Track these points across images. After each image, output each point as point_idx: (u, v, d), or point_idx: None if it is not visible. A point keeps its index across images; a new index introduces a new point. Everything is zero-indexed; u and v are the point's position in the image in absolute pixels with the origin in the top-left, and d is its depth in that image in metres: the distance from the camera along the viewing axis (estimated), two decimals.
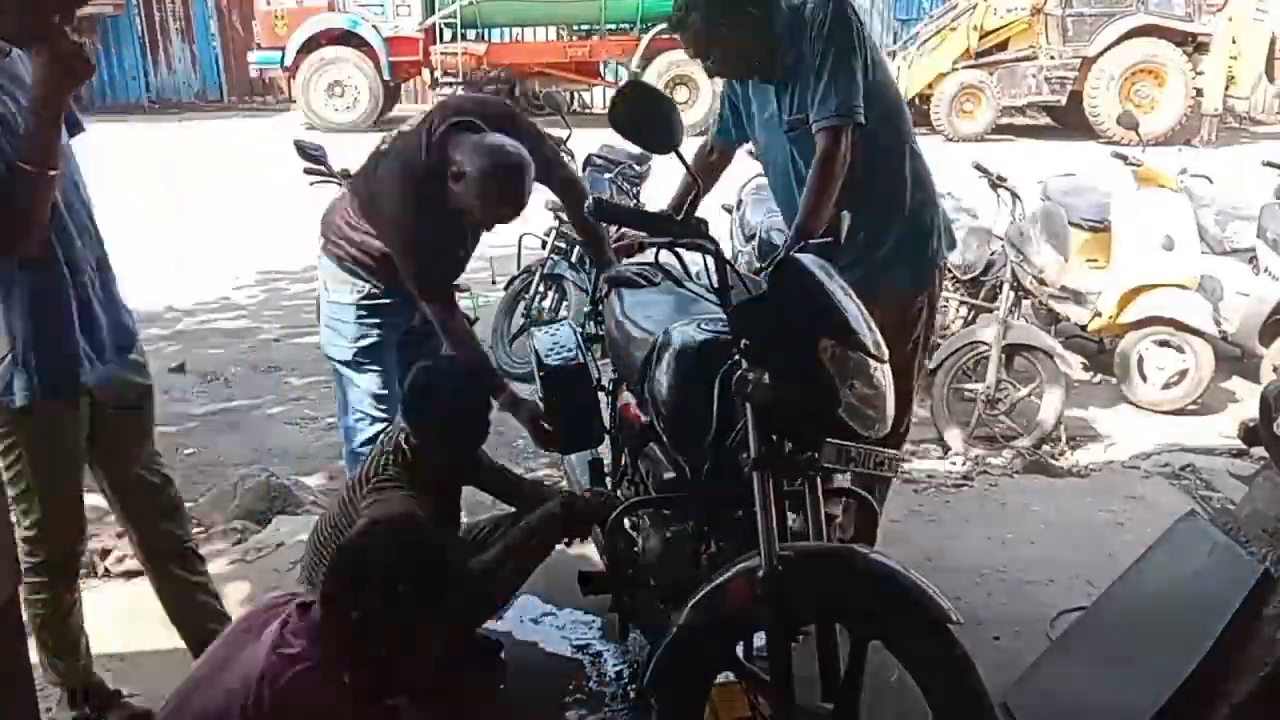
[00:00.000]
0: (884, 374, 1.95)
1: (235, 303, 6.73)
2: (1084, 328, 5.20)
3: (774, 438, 1.96)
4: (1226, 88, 12.83)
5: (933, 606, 1.78)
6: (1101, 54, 12.86)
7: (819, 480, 1.99)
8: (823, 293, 1.96)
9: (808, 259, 2.05)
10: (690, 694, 1.99)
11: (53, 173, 1.99)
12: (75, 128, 2.23)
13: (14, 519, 2.26)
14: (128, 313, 2.36)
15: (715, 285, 2.01)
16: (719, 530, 2.24)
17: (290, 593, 1.96)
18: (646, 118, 2.02)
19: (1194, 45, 12.92)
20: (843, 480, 2.25)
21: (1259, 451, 3.28)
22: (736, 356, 1.99)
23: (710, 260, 2.02)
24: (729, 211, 5.57)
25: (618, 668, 2.80)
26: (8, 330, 2.12)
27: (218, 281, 6.99)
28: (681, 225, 2.00)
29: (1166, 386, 4.96)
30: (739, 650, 2.10)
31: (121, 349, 2.32)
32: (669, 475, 2.33)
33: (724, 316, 2.10)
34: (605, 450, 3.02)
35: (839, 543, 2.08)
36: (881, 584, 1.84)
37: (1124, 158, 5.14)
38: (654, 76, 13.65)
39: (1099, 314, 5.01)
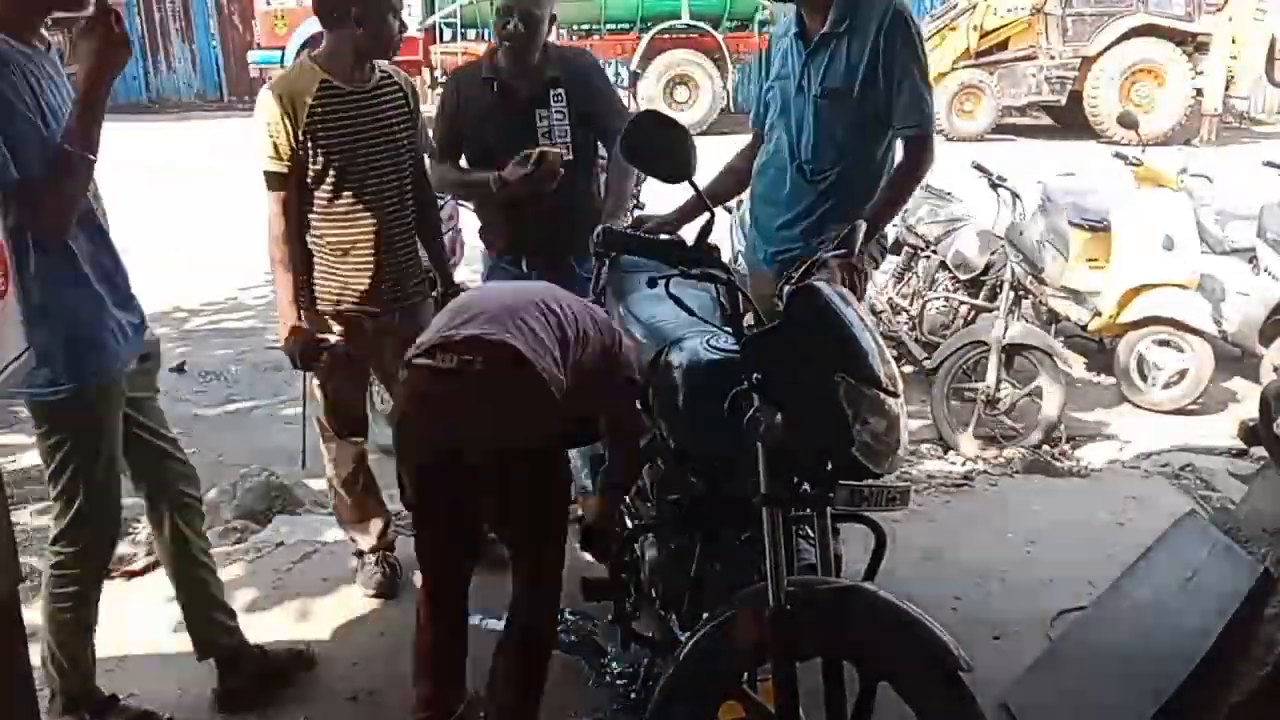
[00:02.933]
0: (898, 408, 1.91)
1: (243, 303, 6.72)
2: (1084, 328, 5.20)
3: (786, 471, 1.93)
4: (1226, 88, 12.85)
5: (943, 652, 1.76)
6: (1101, 54, 12.88)
7: (829, 511, 1.96)
8: (839, 324, 1.92)
9: (826, 288, 2.01)
10: None
11: (93, 158, 2.07)
12: None
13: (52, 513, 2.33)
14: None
15: (728, 314, 1.98)
16: (725, 549, 2.23)
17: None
18: (660, 148, 1.99)
19: (1194, 45, 12.93)
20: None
21: (1259, 451, 3.29)
22: (745, 385, 1.96)
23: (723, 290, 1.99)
24: (729, 211, 5.57)
25: (618, 668, 2.80)
26: (40, 320, 2.09)
27: (223, 282, 6.97)
28: (694, 254, 1.98)
29: (1166, 386, 4.96)
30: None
31: (139, 329, 2.37)
32: (674, 495, 2.31)
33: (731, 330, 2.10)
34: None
35: (848, 579, 2.05)
36: (891, 626, 1.80)
37: (1124, 158, 5.14)
38: (654, 76, 13.66)
39: (1099, 314, 5.01)
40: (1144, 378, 4.99)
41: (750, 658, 1.92)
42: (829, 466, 1.92)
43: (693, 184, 2.03)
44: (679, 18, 13.72)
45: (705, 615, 1.95)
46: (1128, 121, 5.50)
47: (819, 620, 1.82)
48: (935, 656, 1.76)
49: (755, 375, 1.92)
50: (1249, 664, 2.20)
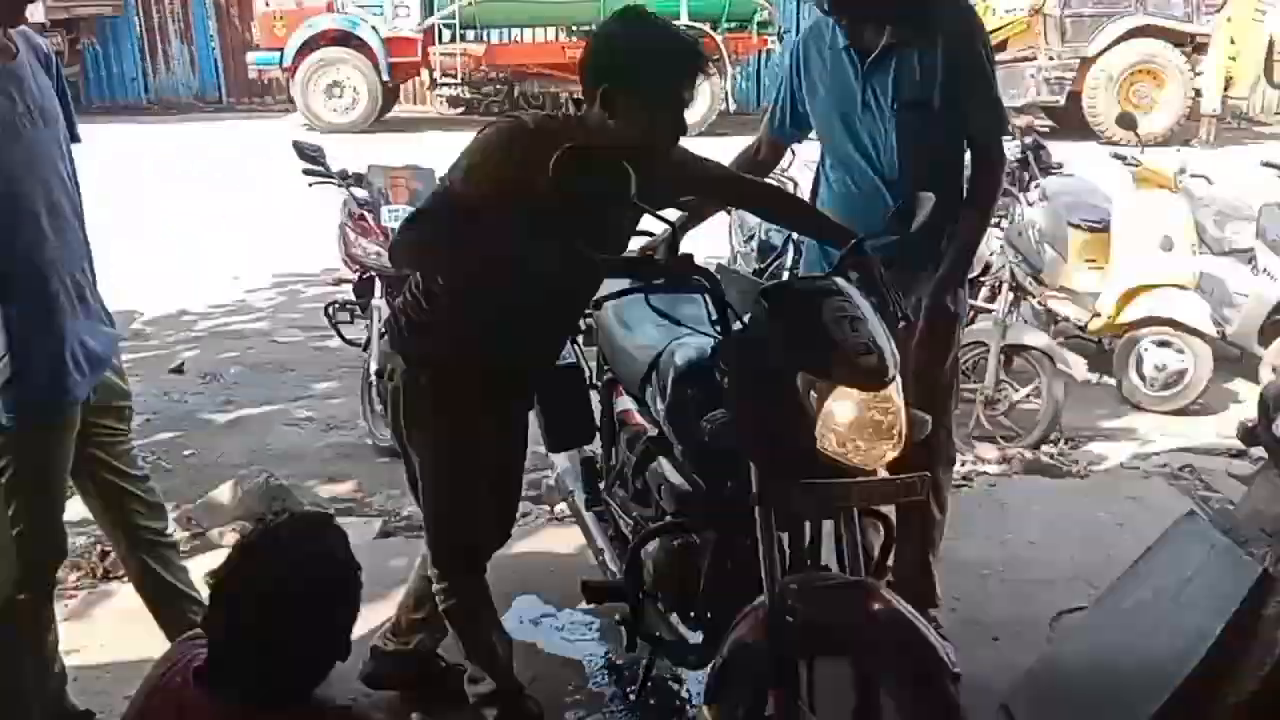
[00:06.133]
0: (885, 404, 1.87)
1: (250, 305, 6.69)
2: (1083, 328, 5.20)
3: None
4: (1225, 88, 12.82)
5: (930, 655, 1.76)
6: (1100, 54, 12.85)
7: (854, 511, 1.96)
8: (813, 322, 1.90)
9: (802, 283, 2.04)
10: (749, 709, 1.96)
11: None
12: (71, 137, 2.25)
13: None
14: (107, 316, 2.34)
15: (714, 320, 1.99)
16: (734, 548, 2.23)
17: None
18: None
19: (1193, 46, 12.91)
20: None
21: (1258, 451, 3.28)
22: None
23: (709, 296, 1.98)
24: (728, 212, 5.57)
25: (617, 668, 2.80)
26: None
27: (227, 284, 6.94)
28: (672, 266, 1.97)
29: (1166, 387, 4.95)
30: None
31: (105, 356, 2.30)
32: (684, 496, 2.31)
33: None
34: (595, 448, 3.01)
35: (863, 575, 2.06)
36: (883, 626, 1.81)
37: (1123, 158, 5.14)
38: None
39: (1098, 314, 5.01)
40: (1143, 378, 4.98)
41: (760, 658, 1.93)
42: (793, 467, 1.90)
43: (635, 201, 1.94)
44: (678, 18, 13.69)
45: (732, 615, 1.96)
46: (1126, 122, 5.50)
47: (815, 618, 1.82)
48: (923, 659, 1.77)
49: (723, 377, 1.94)
50: (1249, 664, 2.20)
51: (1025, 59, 13.34)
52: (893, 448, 1.90)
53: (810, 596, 1.83)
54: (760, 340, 1.94)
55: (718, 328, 2.01)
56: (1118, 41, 12.78)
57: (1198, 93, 12.85)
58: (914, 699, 1.78)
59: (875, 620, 1.82)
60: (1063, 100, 13.28)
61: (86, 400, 2.26)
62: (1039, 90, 13.31)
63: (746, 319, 2.00)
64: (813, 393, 1.84)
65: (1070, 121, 13.46)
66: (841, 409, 1.85)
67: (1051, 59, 13.15)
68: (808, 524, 2.03)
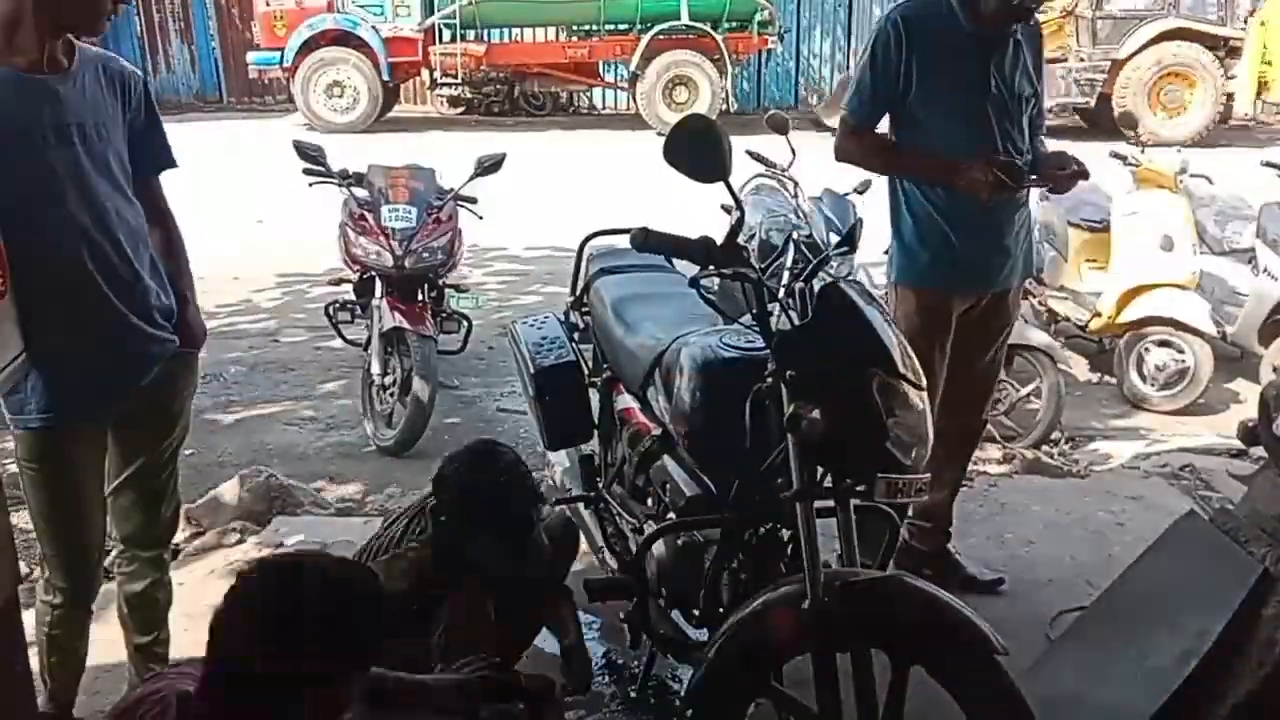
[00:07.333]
0: (923, 401, 1.95)
1: (257, 305, 6.68)
2: (1084, 327, 5.20)
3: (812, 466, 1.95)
4: (1259, 93, 12.74)
5: (979, 637, 1.79)
6: (1132, 56, 12.77)
7: (850, 502, 1.98)
8: (867, 322, 1.95)
9: (850, 286, 2.04)
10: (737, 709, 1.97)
11: None
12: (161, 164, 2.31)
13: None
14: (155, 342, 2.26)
15: (755, 313, 2.01)
16: (740, 548, 2.23)
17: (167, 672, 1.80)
18: (697, 149, 1.99)
19: (1226, 49, 12.80)
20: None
21: (1259, 451, 3.28)
22: (769, 380, 1.98)
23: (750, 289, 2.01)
24: (728, 212, 5.57)
25: (617, 667, 2.80)
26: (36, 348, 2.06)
27: (228, 284, 6.93)
28: (723, 253, 2.00)
29: (1166, 386, 4.96)
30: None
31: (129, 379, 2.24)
32: (692, 494, 2.32)
33: (735, 328, 2.16)
34: (592, 446, 3.02)
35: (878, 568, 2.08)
36: (928, 613, 1.84)
37: (1124, 158, 5.14)
38: (653, 76, 13.66)
39: (1098, 314, 5.01)
40: (1144, 378, 4.99)
41: (782, 654, 1.94)
42: (865, 463, 1.93)
43: (728, 185, 2.02)
44: (678, 18, 13.70)
45: (732, 614, 1.96)
46: (1126, 121, 5.49)
47: (856, 610, 1.84)
48: (972, 641, 1.79)
49: (789, 372, 1.93)
50: (1249, 664, 2.20)
51: (1056, 60, 13.15)
52: (926, 450, 1.96)
53: (850, 590, 1.84)
54: (824, 338, 1.96)
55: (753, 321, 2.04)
56: (1150, 43, 12.69)
57: (1229, 97, 12.78)
58: (969, 681, 1.81)
59: (920, 607, 1.84)
60: (1093, 101, 13.15)
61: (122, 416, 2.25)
62: (1069, 91, 13.19)
63: (795, 316, 2.02)
64: (878, 391, 1.88)
65: (1102, 123, 13.35)
66: (905, 406, 1.90)
67: (1082, 60, 13.06)
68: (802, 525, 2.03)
